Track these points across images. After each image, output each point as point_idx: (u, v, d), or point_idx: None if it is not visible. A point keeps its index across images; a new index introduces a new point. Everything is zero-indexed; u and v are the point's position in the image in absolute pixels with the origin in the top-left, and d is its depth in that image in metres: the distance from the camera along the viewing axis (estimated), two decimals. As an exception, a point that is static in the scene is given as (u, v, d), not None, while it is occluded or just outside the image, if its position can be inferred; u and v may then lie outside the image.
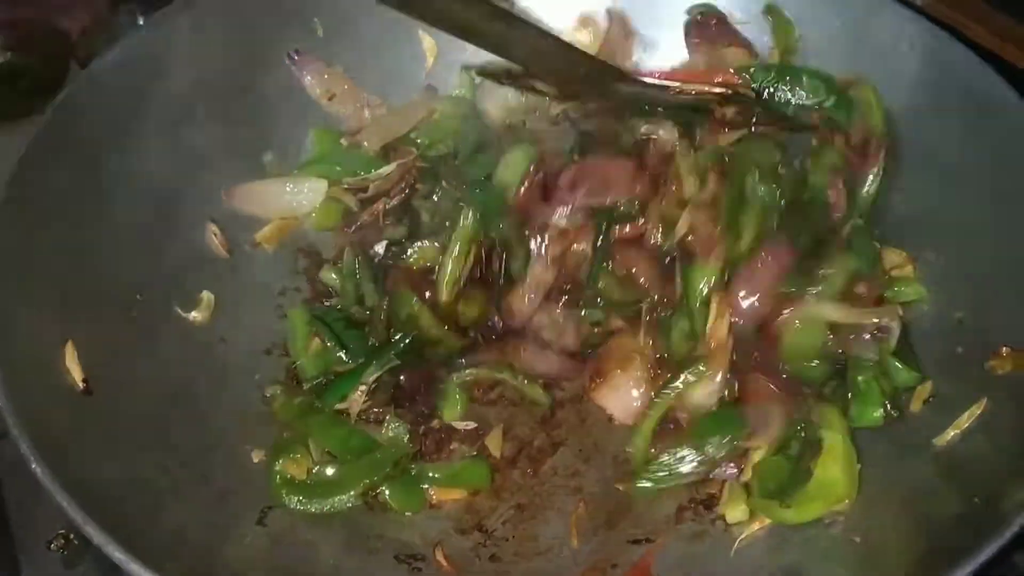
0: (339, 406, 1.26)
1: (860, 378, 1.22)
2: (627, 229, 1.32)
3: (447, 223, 1.33)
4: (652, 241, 1.30)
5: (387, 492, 1.23)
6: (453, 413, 1.31)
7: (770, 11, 1.48)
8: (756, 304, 1.24)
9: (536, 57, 1.25)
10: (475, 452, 1.29)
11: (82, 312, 1.18)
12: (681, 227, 1.27)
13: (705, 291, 1.24)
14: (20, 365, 1.07)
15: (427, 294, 1.32)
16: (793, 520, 1.16)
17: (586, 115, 1.43)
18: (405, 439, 1.25)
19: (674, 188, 1.29)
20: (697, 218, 1.26)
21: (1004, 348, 1.17)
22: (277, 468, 1.21)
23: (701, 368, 1.21)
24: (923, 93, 1.36)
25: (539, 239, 1.31)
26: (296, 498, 1.20)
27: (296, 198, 1.43)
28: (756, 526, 1.19)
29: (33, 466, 0.97)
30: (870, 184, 1.35)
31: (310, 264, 1.46)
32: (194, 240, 1.38)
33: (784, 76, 1.41)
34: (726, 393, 1.23)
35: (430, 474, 1.26)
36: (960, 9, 1.61)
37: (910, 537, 1.11)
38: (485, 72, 1.41)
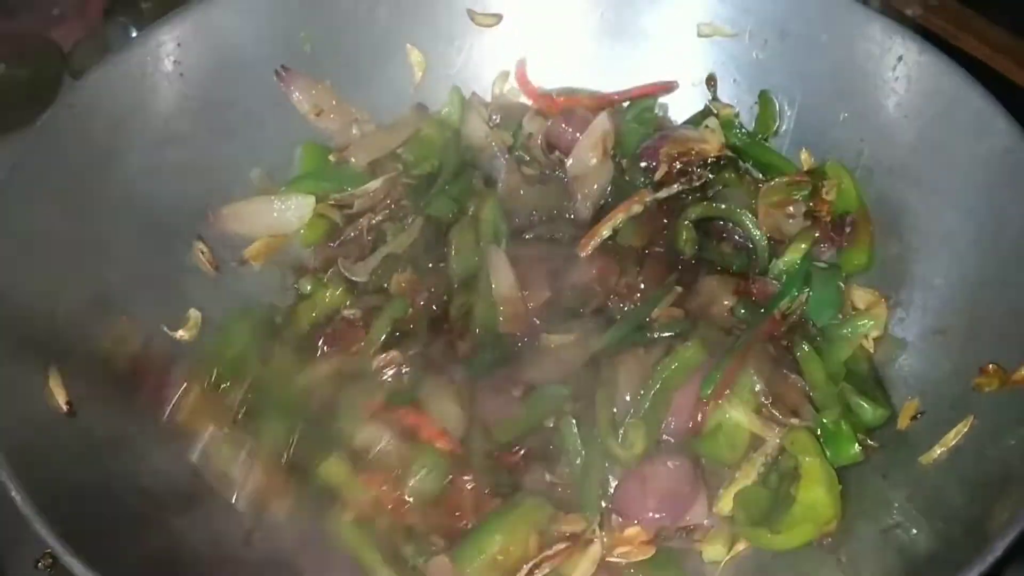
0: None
1: (825, 420, 1.20)
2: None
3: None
4: None
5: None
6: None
7: (762, 96, 1.49)
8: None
9: None
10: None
11: (68, 334, 1.18)
12: None
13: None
14: (3, 388, 1.07)
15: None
16: (784, 546, 1.15)
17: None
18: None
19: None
20: None
21: (991, 366, 1.16)
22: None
23: None
24: (911, 110, 1.35)
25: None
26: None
27: (284, 215, 1.43)
28: (741, 546, 1.19)
29: (13, 493, 0.97)
30: (849, 256, 1.37)
31: (298, 280, 1.45)
32: (181, 257, 1.38)
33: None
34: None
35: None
36: (953, 21, 1.61)
37: (894, 558, 1.11)
38: None
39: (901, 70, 1.35)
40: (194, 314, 1.34)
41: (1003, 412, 1.13)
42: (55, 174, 1.25)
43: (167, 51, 1.38)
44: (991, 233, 1.24)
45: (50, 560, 1.25)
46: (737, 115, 1.51)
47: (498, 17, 1.55)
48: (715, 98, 1.53)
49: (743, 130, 1.49)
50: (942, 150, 1.31)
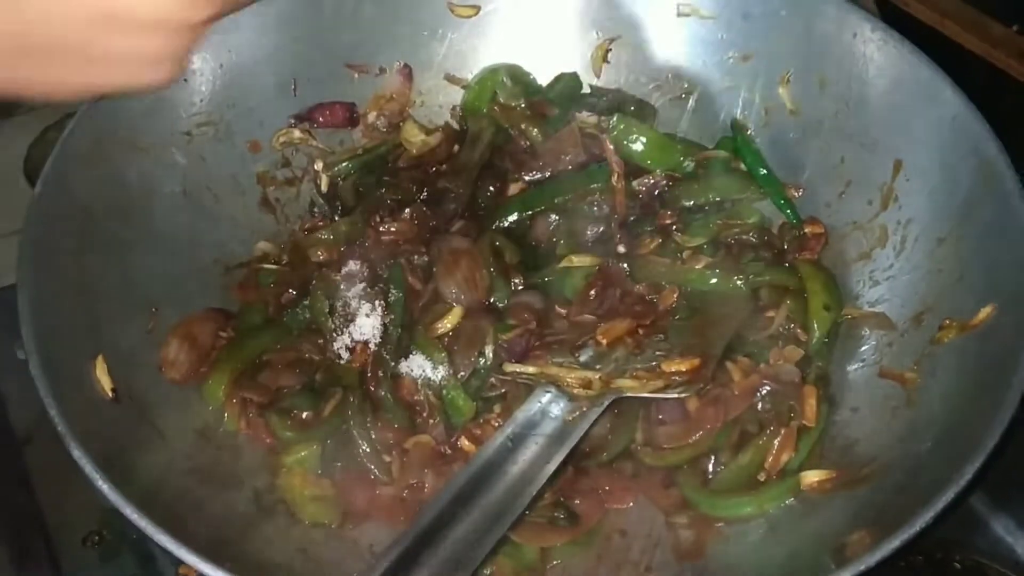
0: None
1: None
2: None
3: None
4: None
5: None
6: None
7: (734, 127, 1.60)
8: None
9: None
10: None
11: (109, 328, 1.26)
12: None
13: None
14: (60, 376, 1.14)
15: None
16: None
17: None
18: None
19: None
20: None
21: (947, 320, 1.26)
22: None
23: None
24: (867, 82, 1.46)
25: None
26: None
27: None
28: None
29: (85, 466, 1.05)
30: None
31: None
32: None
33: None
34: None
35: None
36: (951, 17, 1.69)
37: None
38: None
39: (857, 47, 1.46)
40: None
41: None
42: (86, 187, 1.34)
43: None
44: (944, 193, 1.36)
45: (97, 537, 1.35)
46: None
47: (476, 8, 1.64)
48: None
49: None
50: (897, 119, 1.43)
